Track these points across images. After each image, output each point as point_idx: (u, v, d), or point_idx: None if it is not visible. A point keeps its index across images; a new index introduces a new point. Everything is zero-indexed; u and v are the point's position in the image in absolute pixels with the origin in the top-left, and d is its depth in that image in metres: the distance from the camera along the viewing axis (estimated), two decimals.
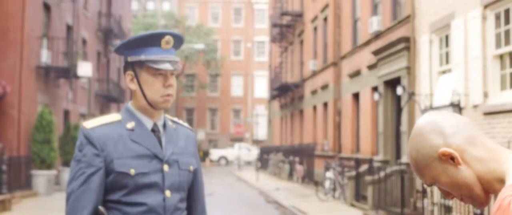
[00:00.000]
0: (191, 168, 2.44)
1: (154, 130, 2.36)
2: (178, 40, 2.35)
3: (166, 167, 2.33)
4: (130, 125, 2.33)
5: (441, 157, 1.41)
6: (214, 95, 56.05)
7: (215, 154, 47.78)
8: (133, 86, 2.34)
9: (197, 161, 2.53)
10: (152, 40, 2.28)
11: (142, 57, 2.28)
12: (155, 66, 2.26)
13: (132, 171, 2.26)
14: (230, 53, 56.25)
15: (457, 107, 8.68)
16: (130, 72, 2.35)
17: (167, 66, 2.27)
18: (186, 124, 2.57)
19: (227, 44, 56.37)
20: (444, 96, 9.80)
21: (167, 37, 2.29)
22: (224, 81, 56.22)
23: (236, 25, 56.96)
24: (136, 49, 2.30)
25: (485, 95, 10.14)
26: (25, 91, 17.55)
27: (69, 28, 22.18)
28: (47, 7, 19.64)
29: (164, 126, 2.41)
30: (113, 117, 2.39)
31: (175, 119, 2.54)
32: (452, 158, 1.40)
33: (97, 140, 2.27)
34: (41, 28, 19.21)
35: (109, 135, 2.29)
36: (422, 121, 1.47)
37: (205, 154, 48.90)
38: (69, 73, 20.00)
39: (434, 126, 1.43)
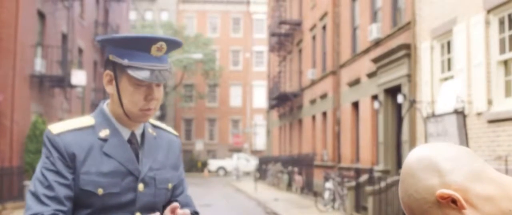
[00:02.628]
0: (170, 185, 2.12)
1: (131, 141, 2.05)
2: (173, 46, 2.00)
3: (141, 186, 2.02)
4: (104, 133, 2.01)
5: (440, 201, 1.10)
6: (213, 105, 55.73)
7: (213, 164, 47.44)
8: (110, 89, 2.02)
9: (180, 170, 2.22)
10: (141, 44, 1.94)
11: (125, 61, 1.94)
12: (138, 76, 1.92)
13: (100, 191, 1.95)
14: (229, 63, 56.00)
15: (461, 114, 8.35)
16: (109, 72, 2.02)
17: (151, 77, 1.93)
18: (169, 129, 2.26)
19: (226, 54, 56.13)
20: (447, 103, 9.48)
21: (160, 44, 1.94)
22: (223, 92, 55.92)
23: (235, 35, 56.75)
24: (120, 50, 1.96)
25: (489, 102, 9.82)
26: (18, 100, 17.22)
27: (64, 37, 21.90)
28: (41, 15, 19.36)
29: (143, 135, 2.09)
30: (85, 120, 2.05)
31: (157, 123, 2.21)
32: (453, 201, 1.09)
33: (64, 149, 1.95)
34: (36, 37, 18.91)
35: (79, 144, 1.97)
36: (412, 157, 1.16)
37: (204, 165, 48.53)
38: (63, 82, 19.68)
39: (427, 162, 1.13)
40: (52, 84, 20.09)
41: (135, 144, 2.04)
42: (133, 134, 2.05)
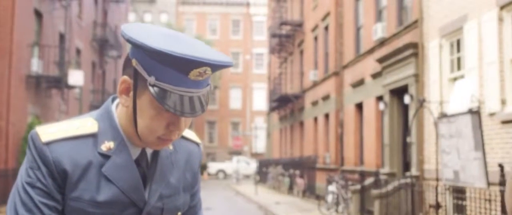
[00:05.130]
0: (179, 214, 1.68)
1: (139, 162, 1.58)
2: (220, 68, 1.47)
3: None
4: (107, 146, 1.53)
5: None
6: (213, 108, 55.38)
7: (213, 167, 47.10)
8: (125, 101, 1.53)
9: (196, 188, 1.78)
10: (178, 64, 1.41)
11: (152, 79, 1.43)
12: (164, 104, 1.43)
13: None
14: None
15: (476, 114, 7.96)
16: (127, 80, 1.51)
17: (182, 108, 1.44)
18: (191, 135, 1.77)
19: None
20: (460, 103, 9.09)
21: (204, 69, 1.42)
22: (223, 94, 55.60)
23: (235, 37, 56.44)
24: (149, 60, 1.44)
25: (503, 102, 9.43)
26: (14, 101, 16.82)
27: (61, 37, 21.51)
28: (38, 15, 18.97)
29: (156, 153, 1.63)
30: (86, 125, 1.56)
31: None
32: None
33: (53, 164, 1.49)
34: (32, 36, 18.53)
35: (74, 159, 1.50)
36: None
37: (203, 168, 48.20)
38: (61, 83, 19.29)
39: None
40: (49, 85, 19.70)
41: (144, 166, 1.59)
42: (143, 153, 1.59)
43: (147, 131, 1.50)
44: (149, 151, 1.61)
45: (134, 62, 1.48)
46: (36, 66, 18.24)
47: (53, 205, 1.48)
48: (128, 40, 1.44)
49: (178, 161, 1.68)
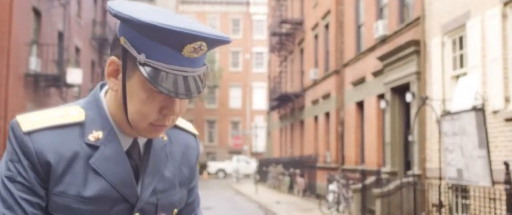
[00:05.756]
0: (175, 211, 1.54)
1: (131, 153, 1.44)
2: (217, 45, 1.34)
3: None
4: (95, 135, 1.40)
5: None
6: (212, 107, 55.25)
7: (213, 166, 46.97)
8: (113, 84, 1.40)
9: (194, 183, 1.63)
10: (170, 38, 1.28)
11: (142, 56, 1.30)
12: (156, 84, 1.29)
13: None
14: (229, 65, 55.55)
15: (481, 111, 7.83)
16: (115, 61, 1.38)
17: (176, 89, 1.30)
18: (187, 126, 1.64)
19: (226, 55, 55.68)
20: (464, 100, 8.96)
21: (198, 44, 1.29)
22: (222, 93, 55.46)
23: (235, 36, 56.27)
24: (138, 36, 1.31)
25: (507, 100, 9.30)
26: (12, 99, 16.68)
27: (60, 35, 21.37)
28: (37, 13, 18.83)
29: (149, 143, 1.49)
30: (72, 113, 1.42)
31: None
32: None
33: (36, 156, 1.35)
34: (31, 34, 18.39)
35: (58, 151, 1.36)
36: None
37: (203, 167, 48.05)
38: (59, 81, 19.15)
39: None
40: (47, 84, 19.57)
41: (136, 158, 1.45)
42: (135, 143, 1.46)
43: (138, 117, 1.36)
44: (141, 142, 1.48)
45: (122, 40, 1.35)
46: (34, 64, 18.10)
47: (35, 201, 1.35)
48: (116, 15, 1.31)
49: (173, 153, 1.54)
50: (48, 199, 1.37)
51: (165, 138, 1.53)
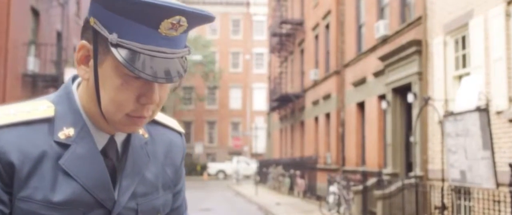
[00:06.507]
0: None
1: (107, 152, 1.29)
2: (198, 22, 1.19)
3: None
4: (66, 133, 1.25)
5: None
6: (212, 108, 55.09)
7: (213, 167, 46.82)
8: (84, 72, 1.25)
9: (180, 186, 1.47)
10: (145, 14, 1.13)
11: (113, 36, 1.16)
12: (130, 67, 1.14)
13: None
14: (229, 65, 55.40)
15: (484, 112, 7.67)
16: (85, 45, 1.23)
17: (154, 72, 1.15)
18: (171, 123, 1.47)
19: (226, 56, 55.53)
20: (468, 100, 8.80)
21: (177, 19, 1.14)
22: (223, 94, 55.31)
23: (235, 37, 56.15)
24: (110, 14, 1.16)
25: (511, 100, 9.13)
26: (10, 100, 16.53)
27: (59, 35, 21.22)
28: (35, 13, 18.69)
29: (127, 141, 1.33)
30: (39, 108, 1.26)
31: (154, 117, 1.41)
32: None
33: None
34: (29, 34, 18.24)
35: (23, 150, 1.20)
36: None
37: (203, 168, 47.91)
38: (57, 82, 19.01)
39: None
40: (45, 84, 19.42)
41: (112, 158, 1.30)
42: (111, 141, 1.30)
43: (112, 107, 1.21)
44: (119, 139, 1.32)
45: (92, 21, 1.20)
46: (32, 65, 17.96)
47: None
48: None
49: (155, 153, 1.38)
50: (12, 205, 1.21)
51: (146, 136, 1.37)
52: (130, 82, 1.19)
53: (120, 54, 1.15)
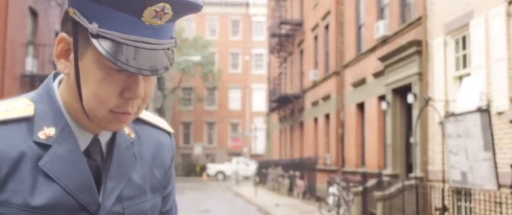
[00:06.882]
0: None
1: (90, 153, 1.22)
2: (183, 10, 1.13)
3: None
4: (46, 132, 1.17)
5: None
6: (212, 109, 55.02)
7: (212, 168, 46.75)
8: (64, 66, 1.18)
9: (169, 188, 1.39)
10: (127, 1, 1.07)
11: (94, 26, 1.09)
12: (112, 58, 1.08)
13: None
14: (228, 66, 55.33)
15: (486, 113, 7.60)
16: (65, 37, 1.17)
17: (138, 63, 1.09)
18: (159, 122, 1.39)
19: (225, 57, 55.46)
20: (469, 101, 8.73)
21: (160, 6, 1.08)
22: (222, 95, 55.23)
23: (234, 37, 56.10)
24: (90, 4, 1.10)
25: None
26: None
27: (57, 36, 21.12)
28: (33, 13, 18.60)
29: (112, 141, 1.26)
30: (18, 106, 1.19)
31: (141, 116, 1.34)
32: None
33: None
34: (27, 35, 18.16)
35: (1, 151, 1.13)
36: None
37: (202, 169, 47.83)
38: None
39: None
40: None
41: (96, 159, 1.22)
42: (95, 141, 1.23)
43: (95, 102, 1.14)
44: (103, 139, 1.25)
45: (71, 11, 1.14)
46: (30, 65, 17.88)
47: None
48: None
49: (142, 153, 1.31)
50: None
51: (132, 135, 1.30)
52: (113, 76, 1.12)
53: (101, 45, 1.08)
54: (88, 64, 1.13)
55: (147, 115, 1.37)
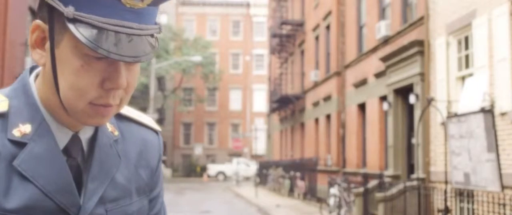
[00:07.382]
0: None
1: (70, 151, 1.13)
2: None
3: None
4: (22, 130, 1.09)
5: None
6: (212, 109, 54.93)
7: (213, 169, 46.66)
8: (39, 56, 1.09)
9: (157, 191, 1.30)
10: None
11: (70, 9, 1.00)
12: (91, 44, 0.99)
13: None
14: (229, 67, 55.25)
15: (489, 113, 7.50)
16: (40, 24, 1.08)
17: (118, 49, 1.01)
18: (146, 120, 1.30)
19: (226, 57, 55.38)
20: (472, 101, 8.63)
21: None
22: (222, 95, 55.15)
23: (235, 38, 56.01)
24: None
25: None
26: None
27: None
28: (33, 13, 18.53)
29: (94, 139, 1.17)
30: None
31: (124, 112, 1.26)
32: None
33: None
34: (26, 35, 18.09)
35: None
36: None
37: (203, 169, 47.76)
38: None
39: None
40: None
41: (77, 158, 1.14)
42: (75, 138, 1.14)
43: (73, 94, 1.04)
44: (84, 137, 1.15)
45: None
46: (30, 65, 17.76)
47: None
48: None
49: (127, 153, 1.22)
50: None
51: (116, 133, 1.21)
52: (92, 64, 1.03)
53: (78, 30, 1.00)
54: (65, 53, 1.03)
55: (132, 112, 1.28)
